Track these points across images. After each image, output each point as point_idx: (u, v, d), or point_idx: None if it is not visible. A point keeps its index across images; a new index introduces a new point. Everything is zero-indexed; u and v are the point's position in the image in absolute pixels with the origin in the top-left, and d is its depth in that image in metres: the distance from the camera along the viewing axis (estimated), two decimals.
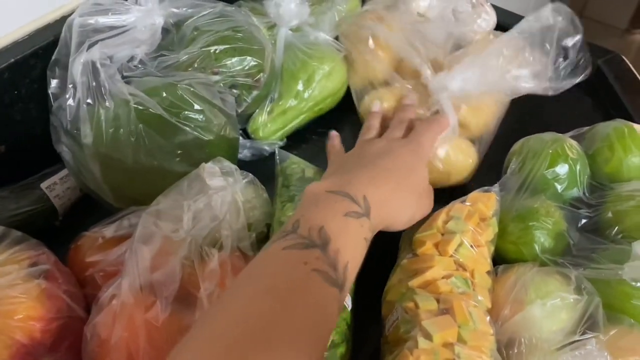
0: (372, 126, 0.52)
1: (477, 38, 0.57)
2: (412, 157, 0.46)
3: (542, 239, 0.45)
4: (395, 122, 0.51)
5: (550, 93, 0.49)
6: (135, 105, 0.45)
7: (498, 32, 0.58)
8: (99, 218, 0.49)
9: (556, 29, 0.48)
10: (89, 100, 0.45)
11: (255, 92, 0.56)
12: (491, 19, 0.65)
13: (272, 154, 0.57)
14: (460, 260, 0.41)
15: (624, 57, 0.63)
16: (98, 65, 0.44)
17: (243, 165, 0.58)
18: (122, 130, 0.45)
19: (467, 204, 0.44)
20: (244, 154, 0.59)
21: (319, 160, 0.56)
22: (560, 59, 0.48)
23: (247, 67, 0.54)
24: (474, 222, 0.42)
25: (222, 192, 0.42)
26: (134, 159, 0.45)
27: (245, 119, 0.60)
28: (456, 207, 0.44)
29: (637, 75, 0.62)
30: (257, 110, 0.60)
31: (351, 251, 0.35)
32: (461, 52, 0.55)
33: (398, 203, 0.42)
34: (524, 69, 0.48)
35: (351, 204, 0.38)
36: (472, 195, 0.45)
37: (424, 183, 0.46)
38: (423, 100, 0.54)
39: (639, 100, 0.56)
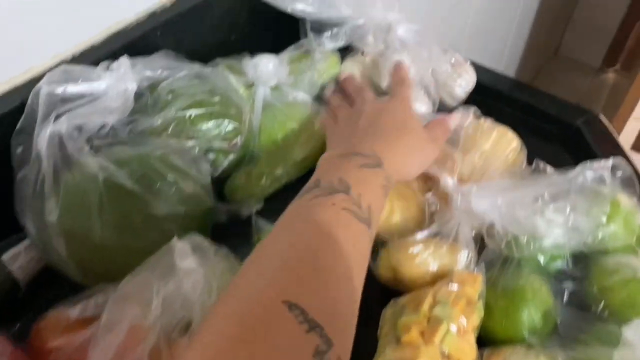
0: (337, 101, 0.57)
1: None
2: (403, 111, 0.50)
3: (530, 318, 0.43)
4: (356, 89, 0.56)
5: (586, 250, 0.46)
6: (104, 179, 0.43)
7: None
8: (65, 290, 0.46)
9: (610, 187, 0.45)
10: (54, 174, 0.43)
11: (231, 156, 0.54)
12: (471, 78, 0.65)
13: (250, 217, 0.55)
14: (446, 351, 0.39)
15: (601, 117, 0.64)
16: (65, 137, 0.42)
17: (219, 229, 0.56)
18: (89, 205, 0.43)
19: (454, 286, 0.42)
20: (220, 217, 0.57)
21: None
22: (598, 218, 0.44)
23: (223, 132, 0.53)
24: (461, 308, 0.41)
25: (193, 275, 0.40)
26: (102, 235, 0.43)
27: (222, 180, 0.59)
28: (443, 290, 0.42)
29: (615, 137, 0.62)
30: (235, 173, 0.58)
31: (371, 195, 0.38)
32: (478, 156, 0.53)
33: (405, 155, 0.46)
34: (560, 216, 0.43)
35: (364, 158, 0.41)
36: (458, 275, 0.43)
37: (422, 133, 0.49)
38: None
39: None
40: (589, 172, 0.45)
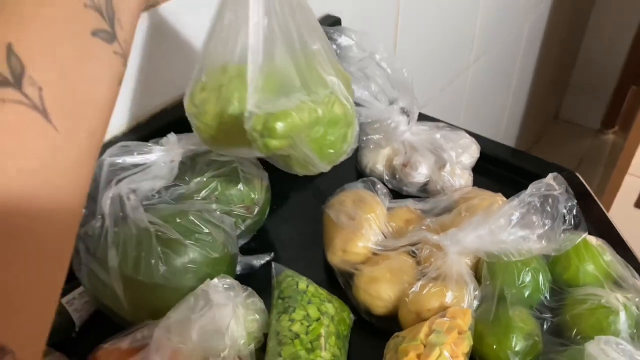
0: None
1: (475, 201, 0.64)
2: None
3: (519, 343, 0.51)
4: None
5: (553, 253, 0.56)
6: (155, 232, 0.53)
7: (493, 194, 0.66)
8: (112, 328, 0.55)
9: (555, 197, 0.55)
10: (115, 229, 0.53)
11: (248, 221, 0.64)
12: (474, 152, 0.75)
13: (261, 266, 0.65)
14: None
15: (577, 174, 0.73)
16: (124, 199, 0.53)
17: (237, 278, 0.65)
18: (144, 253, 0.52)
19: (447, 319, 0.50)
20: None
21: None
22: (558, 223, 0.55)
23: (243, 198, 0.63)
24: (453, 336, 0.49)
25: (224, 307, 0.48)
26: (154, 279, 0.52)
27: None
28: (437, 321, 0.50)
29: (591, 192, 0.71)
30: None
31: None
32: (454, 212, 0.62)
33: None
34: (530, 231, 0.54)
35: None
36: (451, 310, 0.51)
37: None
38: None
39: (591, 214, 0.64)
40: (537, 191, 0.55)
